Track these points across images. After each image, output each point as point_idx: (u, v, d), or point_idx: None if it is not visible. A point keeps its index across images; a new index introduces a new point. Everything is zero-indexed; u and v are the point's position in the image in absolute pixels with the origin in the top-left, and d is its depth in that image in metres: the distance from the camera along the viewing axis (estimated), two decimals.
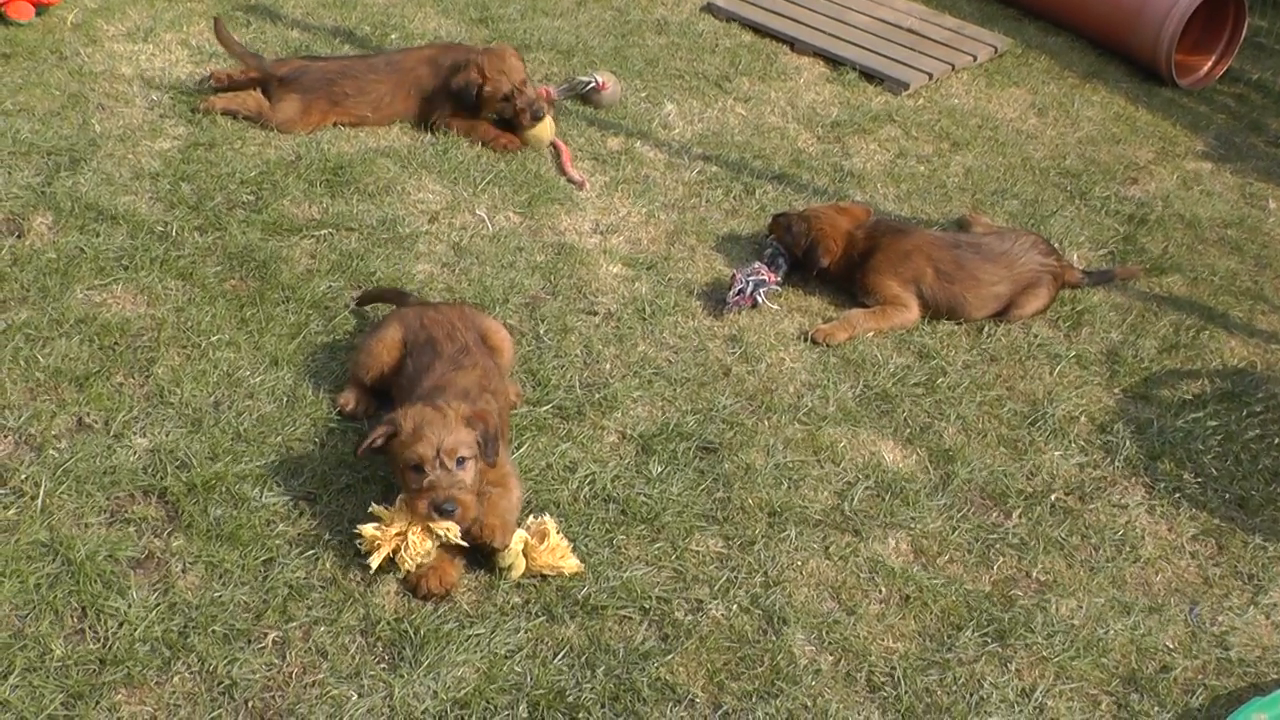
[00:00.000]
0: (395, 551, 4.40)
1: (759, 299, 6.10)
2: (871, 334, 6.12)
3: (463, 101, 7.13)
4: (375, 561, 4.39)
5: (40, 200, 6.16)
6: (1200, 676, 4.62)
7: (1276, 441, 5.82)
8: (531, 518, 4.61)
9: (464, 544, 4.45)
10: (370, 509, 4.49)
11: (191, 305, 5.65)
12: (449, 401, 4.59)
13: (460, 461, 4.46)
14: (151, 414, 5.07)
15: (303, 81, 7.04)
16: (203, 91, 7.21)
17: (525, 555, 4.51)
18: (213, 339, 5.47)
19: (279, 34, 8.05)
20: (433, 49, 7.44)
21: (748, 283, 6.10)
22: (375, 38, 8.17)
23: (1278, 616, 4.93)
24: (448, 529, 4.39)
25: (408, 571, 4.43)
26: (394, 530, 4.39)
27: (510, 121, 7.19)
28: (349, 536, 4.59)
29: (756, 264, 6.25)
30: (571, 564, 4.54)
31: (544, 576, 4.55)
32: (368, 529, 4.42)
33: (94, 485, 4.70)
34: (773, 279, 6.18)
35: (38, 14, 7.81)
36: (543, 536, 4.50)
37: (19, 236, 5.93)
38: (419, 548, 4.38)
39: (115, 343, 5.39)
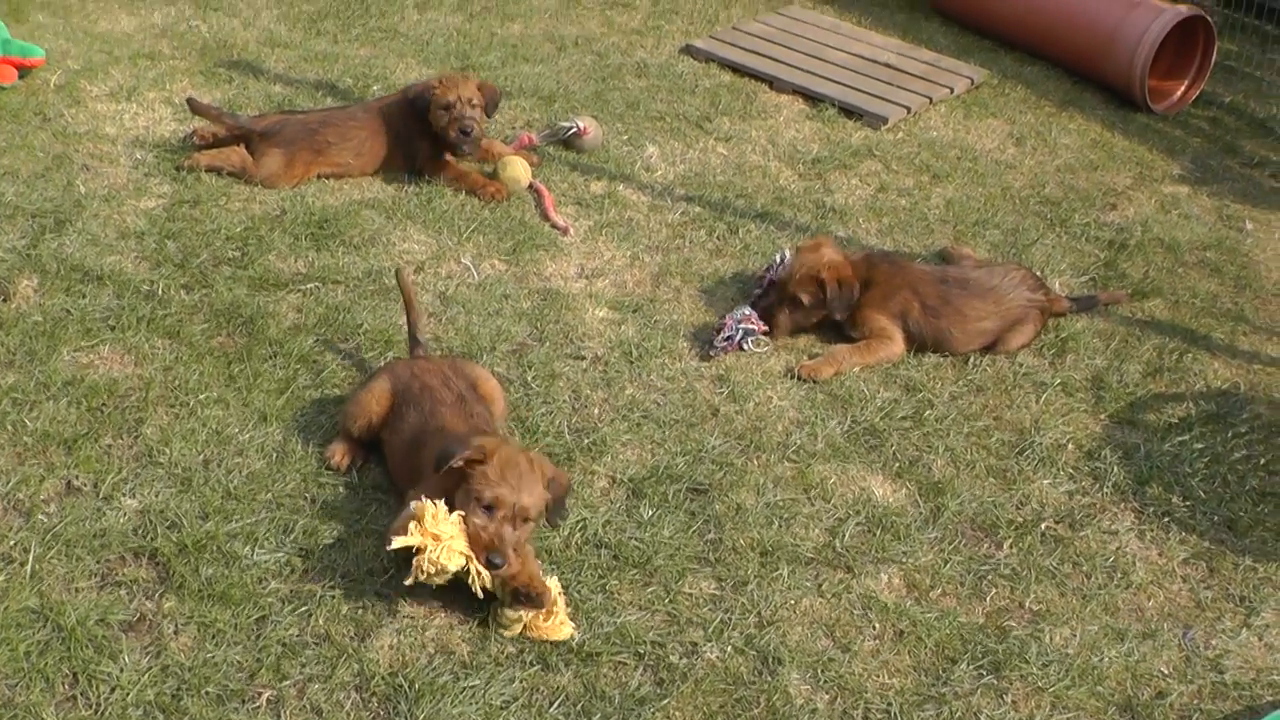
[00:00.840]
0: (420, 551, 4.35)
1: (746, 346, 6.14)
2: (858, 369, 6.14)
3: (418, 112, 7.15)
4: (398, 543, 4.35)
5: (26, 263, 6.18)
6: (1196, 701, 4.62)
7: (1263, 462, 5.84)
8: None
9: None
10: (412, 506, 4.45)
11: (179, 364, 5.66)
12: (537, 453, 4.61)
13: (526, 520, 4.48)
14: (141, 475, 5.07)
15: (284, 134, 7.08)
16: (186, 149, 7.24)
17: (528, 624, 4.50)
18: (201, 397, 5.48)
19: (262, 89, 8.09)
20: (404, 89, 7.50)
21: (737, 329, 6.14)
22: (358, 89, 8.21)
23: (1270, 638, 4.94)
24: (478, 572, 4.37)
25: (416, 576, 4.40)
26: (430, 535, 4.34)
27: (450, 142, 7.18)
28: (343, 591, 4.61)
29: (747, 310, 6.26)
30: (566, 631, 4.53)
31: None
32: (400, 540, 4.35)
33: (84, 549, 4.70)
34: (760, 328, 6.20)
35: (20, 77, 7.86)
36: (550, 610, 4.49)
37: (5, 300, 5.95)
38: (439, 564, 4.33)
39: (103, 404, 5.40)
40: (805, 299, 6.25)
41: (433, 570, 4.34)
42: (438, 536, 4.34)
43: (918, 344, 6.31)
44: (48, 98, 7.75)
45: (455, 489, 4.54)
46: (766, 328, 6.26)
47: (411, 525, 4.37)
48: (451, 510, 4.45)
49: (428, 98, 7.12)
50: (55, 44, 8.37)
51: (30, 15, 8.81)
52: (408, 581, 4.38)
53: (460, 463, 4.49)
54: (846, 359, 6.17)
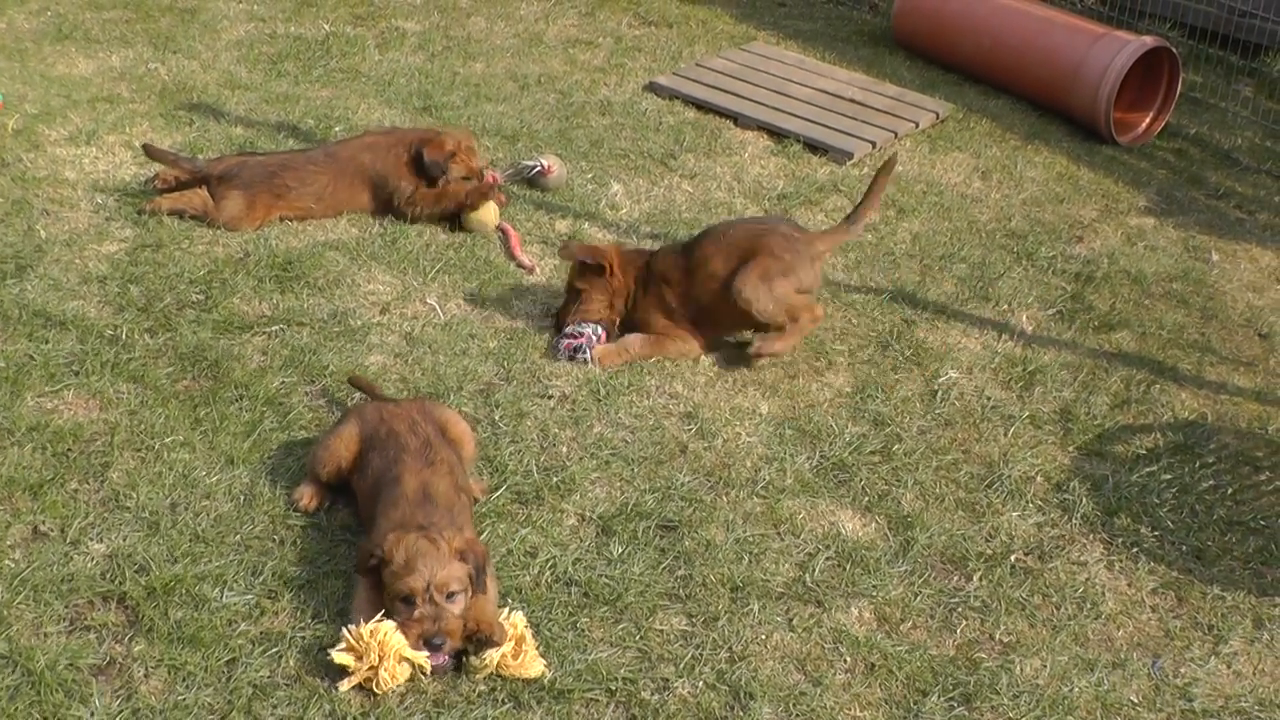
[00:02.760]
0: (367, 681, 4.37)
1: (584, 357, 6.27)
2: (651, 359, 6.36)
3: (429, 175, 7.20)
4: (346, 686, 4.36)
5: None
6: None
7: (1230, 492, 5.87)
8: (504, 613, 4.58)
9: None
10: (342, 631, 4.43)
11: (144, 408, 5.64)
12: (441, 530, 4.61)
13: (450, 596, 4.48)
14: (108, 519, 5.05)
15: (243, 176, 7.07)
16: (148, 193, 7.21)
17: (499, 663, 4.49)
18: (167, 440, 5.46)
19: (223, 131, 8.09)
20: (371, 136, 7.51)
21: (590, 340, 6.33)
22: (320, 130, 8.21)
23: (1239, 665, 4.95)
24: (422, 663, 4.39)
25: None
26: (368, 664, 4.34)
27: (457, 203, 7.26)
28: (313, 634, 4.59)
29: (585, 329, 6.38)
30: (537, 669, 4.52)
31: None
32: (341, 658, 4.37)
33: (52, 594, 4.67)
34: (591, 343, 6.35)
35: None
36: (518, 646, 4.48)
37: None
38: (394, 680, 4.36)
39: (68, 449, 5.38)
40: (579, 283, 6.42)
41: (392, 685, 4.38)
42: (374, 665, 4.35)
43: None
44: (5, 142, 7.73)
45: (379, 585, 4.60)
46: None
47: (348, 659, 4.38)
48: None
49: (444, 167, 7.20)
50: (11, 88, 8.35)
51: None
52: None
53: (371, 565, 4.56)
54: (637, 349, 6.34)
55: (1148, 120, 9.60)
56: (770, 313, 6.19)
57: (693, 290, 6.35)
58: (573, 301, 6.43)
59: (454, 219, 7.28)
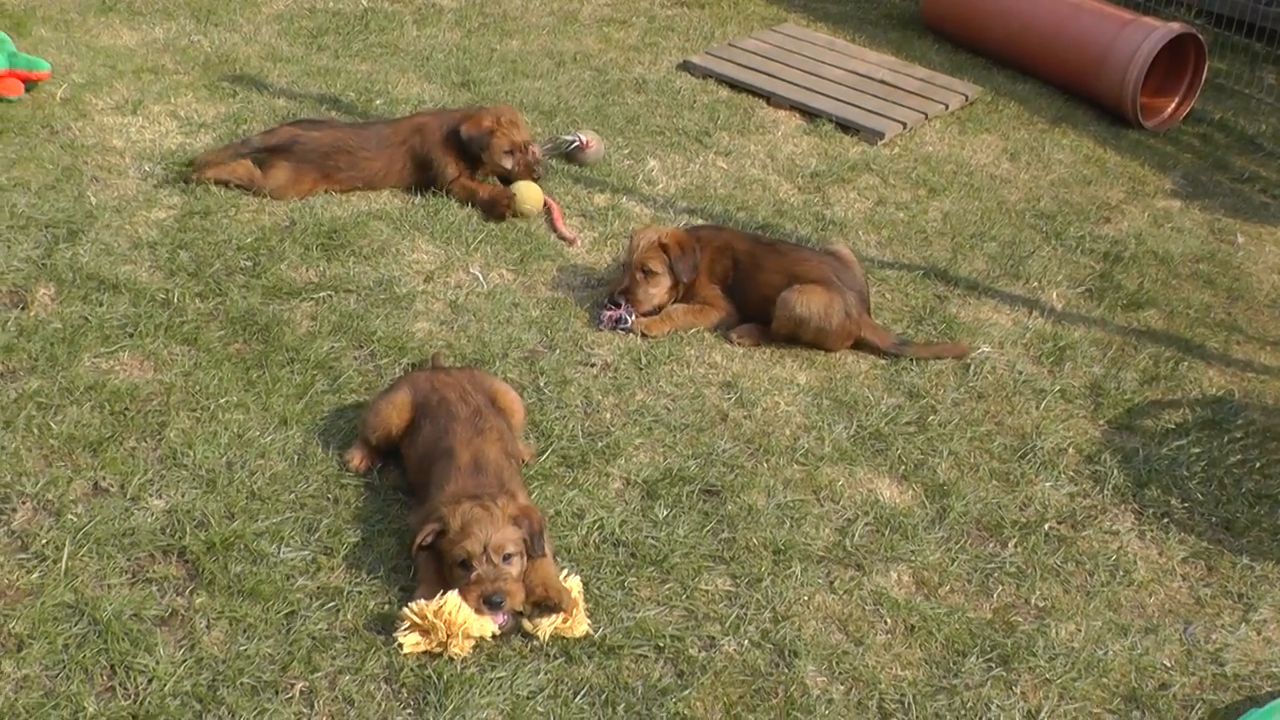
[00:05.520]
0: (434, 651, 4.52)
1: (622, 327, 6.44)
2: (693, 329, 6.54)
3: (468, 152, 7.29)
4: (411, 651, 4.50)
5: (41, 272, 6.28)
6: (1198, 692, 4.76)
7: (1258, 466, 5.99)
8: (561, 576, 4.72)
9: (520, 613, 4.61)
10: (404, 610, 4.55)
11: (198, 369, 5.77)
12: (496, 498, 4.73)
13: (507, 558, 4.60)
14: (166, 476, 5.17)
15: (295, 151, 7.19)
16: (195, 164, 7.33)
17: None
18: (221, 401, 5.59)
19: (266, 102, 8.21)
20: (422, 117, 7.59)
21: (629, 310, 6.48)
22: (361, 104, 8.33)
23: (1268, 632, 5.08)
24: (488, 634, 4.52)
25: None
26: (435, 641, 4.48)
27: (504, 178, 7.37)
28: (369, 589, 4.73)
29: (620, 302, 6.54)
30: (583, 629, 4.64)
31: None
32: (407, 639, 4.49)
33: (114, 547, 4.80)
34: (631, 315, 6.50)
35: (26, 90, 7.95)
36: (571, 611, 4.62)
37: (23, 308, 6.04)
38: (461, 654, 4.49)
39: (126, 408, 5.50)
40: (656, 266, 6.49)
41: (466, 650, 4.50)
42: (442, 641, 4.48)
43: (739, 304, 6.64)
44: (54, 111, 7.85)
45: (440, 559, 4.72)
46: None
47: (414, 638, 4.50)
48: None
49: (485, 141, 7.26)
50: (59, 58, 8.47)
51: (32, 29, 8.93)
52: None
53: (427, 541, 4.68)
54: (681, 319, 6.50)
55: (1173, 105, 9.70)
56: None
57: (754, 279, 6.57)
58: (639, 277, 6.53)
59: (489, 208, 7.31)
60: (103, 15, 9.34)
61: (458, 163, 7.35)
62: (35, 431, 5.31)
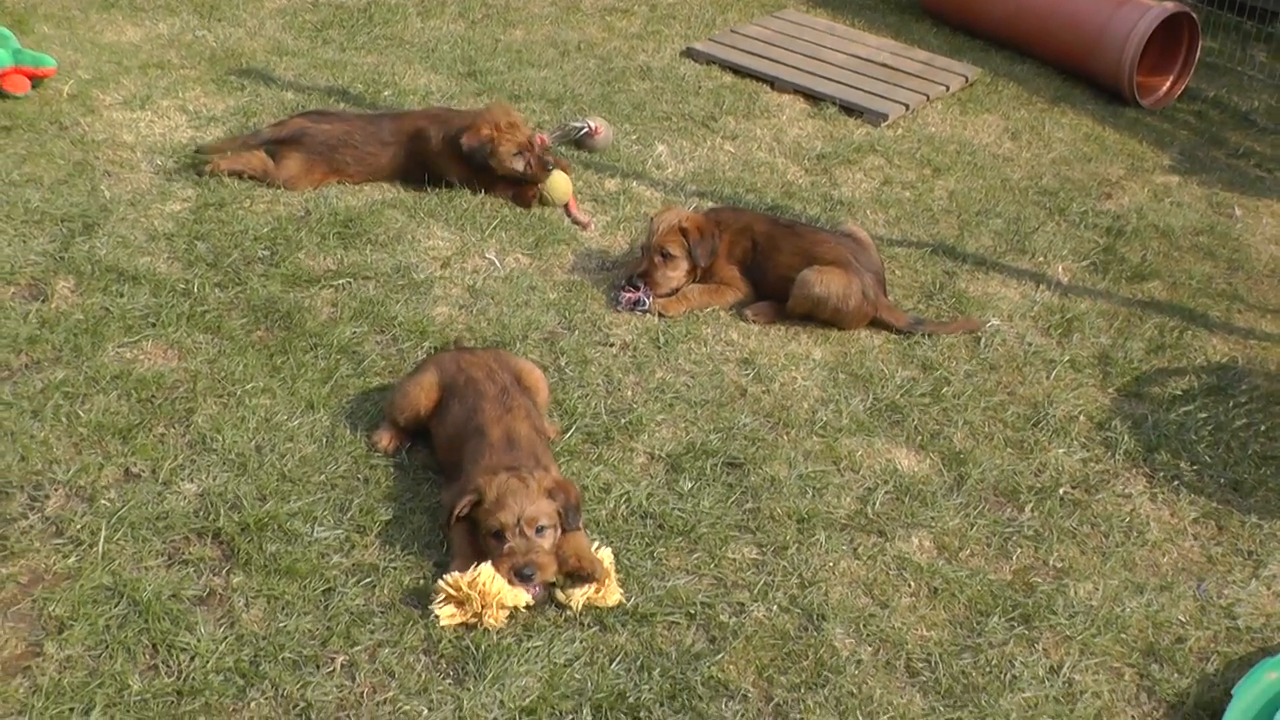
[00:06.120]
0: (469, 623, 4.60)
1: (639, 310, 6.54)
2: (708, 308, 6.64)
3: (473, 162, 7.25)
4: (448, 624, 4.58)
5: (59, 265, 6.34)
6: (1213, 645, 4.88)
7: (1263, 429, 6.11)
8: (594, 548, 4.82)
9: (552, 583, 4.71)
10: (438, 583, 4.63)
11: (222, 357, 5.84)
12: (534, 471, 4.81)
13: (540, 530, 4.69)
14: (196, 461, 5.25)
15: (304, 143, 7.26)
16: (206, 156, 7.39)
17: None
18: (247, 387, 5.66)
19: (274, 95, 8.27)
20: (420, 120, 7.50)
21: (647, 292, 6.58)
22: (369, 95, 8.40)
23: (1278, 586, 5.21)
24: (522, 604, 4.61)
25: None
26: (470, 612, 4.56)
27: (519, 179, 7.32)
28: (403, 565, 4.81)
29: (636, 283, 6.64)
30: (615, 599, 4.74)
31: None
32: (443, 610, 4.58)
33: (149, 530, 4.88)
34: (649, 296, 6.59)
35: (33, 86, 8.00)
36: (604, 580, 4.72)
37: (43, 300, 6.09)
38: (496, 624, 4.57)
39: (153, 396, 5.58)
40: (675, 250, 6.58)
41: (500, 621, 4.60)
42: (482, 605, 4.56)
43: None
44: (62, 107, 7.90)
45: (475, 531, 4.82)
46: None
47: (450, 609, 4.59)
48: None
49: (489, 150, 7.19)
50: (63, 54, 8.52)
51: (34, 27, 8.97)
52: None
53: (464, 513, 4.77)
54: (698, 299, 6.61)
55: (1169, 83, 9.83)
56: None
57: (771, 260, 6.67)
58: (658, 260, 6.61)
59: (518, 198, 7.38)
60: (105, 12, 9.39)
61: (462, 169, 7.34)
62: (64, 420, 5.38)
